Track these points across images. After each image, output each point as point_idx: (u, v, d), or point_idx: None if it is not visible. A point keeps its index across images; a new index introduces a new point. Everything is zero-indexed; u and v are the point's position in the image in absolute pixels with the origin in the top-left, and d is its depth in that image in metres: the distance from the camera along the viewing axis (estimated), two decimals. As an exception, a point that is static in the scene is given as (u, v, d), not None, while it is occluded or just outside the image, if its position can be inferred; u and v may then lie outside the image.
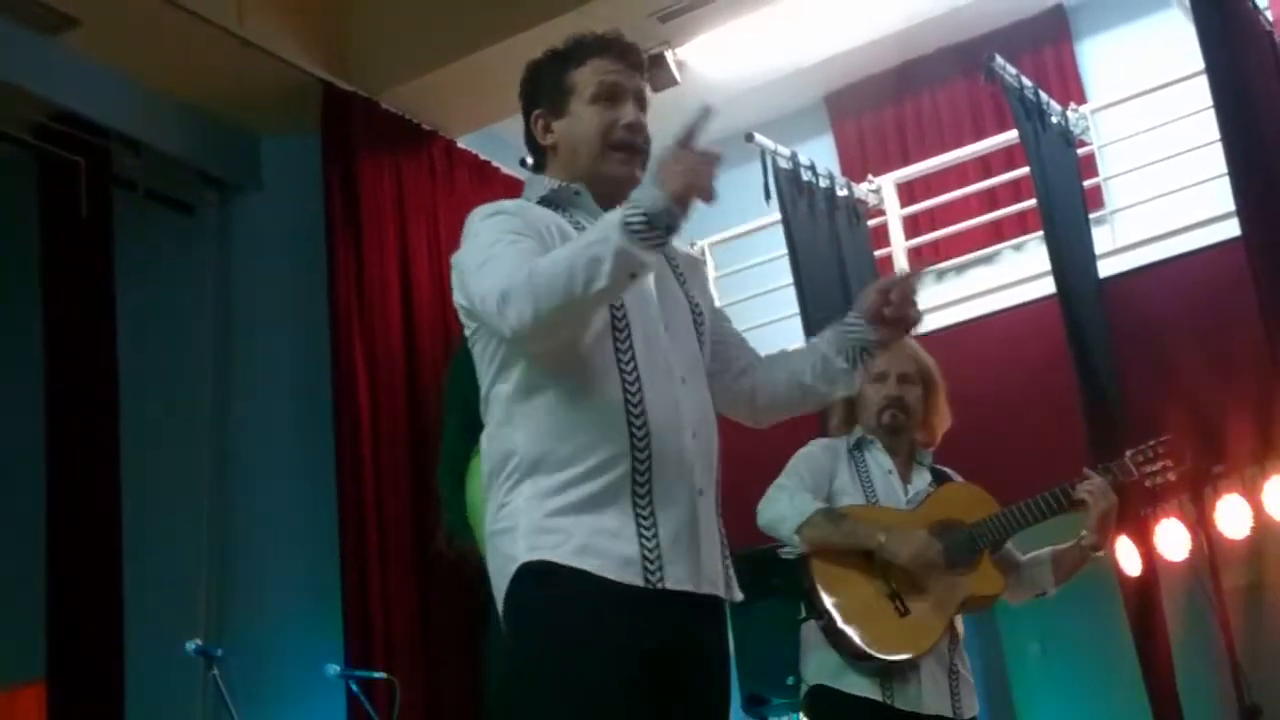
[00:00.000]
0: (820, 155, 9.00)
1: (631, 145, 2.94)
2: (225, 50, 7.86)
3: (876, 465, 4.52)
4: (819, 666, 4.31)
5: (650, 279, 2.85)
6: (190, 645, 6.29)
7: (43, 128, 8.04)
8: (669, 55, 8.51)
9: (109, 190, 8.25)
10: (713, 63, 8.92)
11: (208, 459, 8.29)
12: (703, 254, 9.36)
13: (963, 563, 4.36)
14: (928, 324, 8.44)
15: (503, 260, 2.68)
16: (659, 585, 2.69)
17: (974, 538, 4.39)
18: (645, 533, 2.70)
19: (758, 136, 8.05)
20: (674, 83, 8.57)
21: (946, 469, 4.66)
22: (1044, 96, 7.75)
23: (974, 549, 4.39)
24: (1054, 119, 7.77)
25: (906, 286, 2.95)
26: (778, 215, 8.05)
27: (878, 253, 8.55)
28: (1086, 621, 7.99)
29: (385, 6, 8.38)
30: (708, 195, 2.61)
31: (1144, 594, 6.84)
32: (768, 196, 7.91)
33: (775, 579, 4.54)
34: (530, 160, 3.11)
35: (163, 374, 8.42)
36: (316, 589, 7.77)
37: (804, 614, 4.36)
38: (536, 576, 2.69)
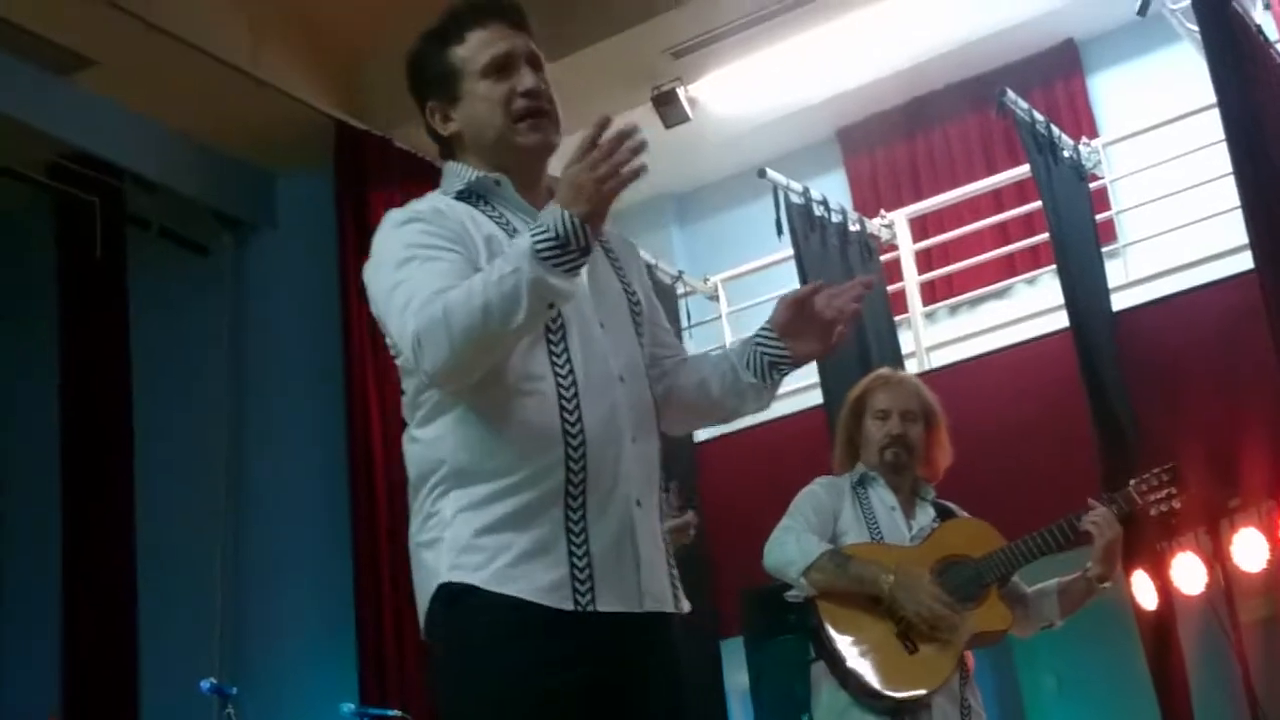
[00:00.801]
0: (832, 190, 9.00)
1: (536, 110, 2.70)
2: (239, 90, 7.91)
3: (880, 502, 4.51)
4: (829, 706, 4.29)
5: (583, 272, 2.58)
6: (205, 684, 6.28)
7: (58, 167, 8.09)
8: (681, 91, 8.54)
9: (123, 229, 8.31)
10: (725, 99, 8.95)
11: (222, 496, 8.31)
12: (715, 290, 9.38)
13: (970, 598, 4.35)
14: (942, 358, 8.46)
15: (415, 287, 2.48)
16: (589, 608, 2.50)
17: (980, 573, 4.39)
18: (576, 550, 2.50)
19: (770, 172, 8.05)
20: (686, 119, 8.61)
21: (949, 504, 4.65)
22: (1055, 130, 7.76)
23: (981, 584, 4.38)
24: (1066, 153, 7.78)
25: (828, 301, 2.75)
26: (790, 251, 8.05)
27: (891, 288, 8.55)
28: (1103, 655, 7.96)
29: (397, 45, 8.32)
30: (623, 183, 2.39)
31: (1160, 628, 6.81)
32: (780, 232, 7.90)
33: (789, 616, 4.52)
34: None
35: (177, 412, 8.46)
36: (331, 627, 7.78)
37: (813, 654, 4.35)
38: (457, 598, 2.50)
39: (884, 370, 4.84)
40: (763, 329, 2.79)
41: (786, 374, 2.80)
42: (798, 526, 4.38)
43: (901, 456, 4.53)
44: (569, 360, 2.57)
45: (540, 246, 2.36)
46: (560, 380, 2.55)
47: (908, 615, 4.23)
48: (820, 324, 2.76)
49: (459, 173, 2.75)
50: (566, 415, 2.53)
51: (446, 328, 2.40)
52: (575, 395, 2.55)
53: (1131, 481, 4.55)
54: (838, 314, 2.74)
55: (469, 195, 2.71)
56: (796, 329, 2.76)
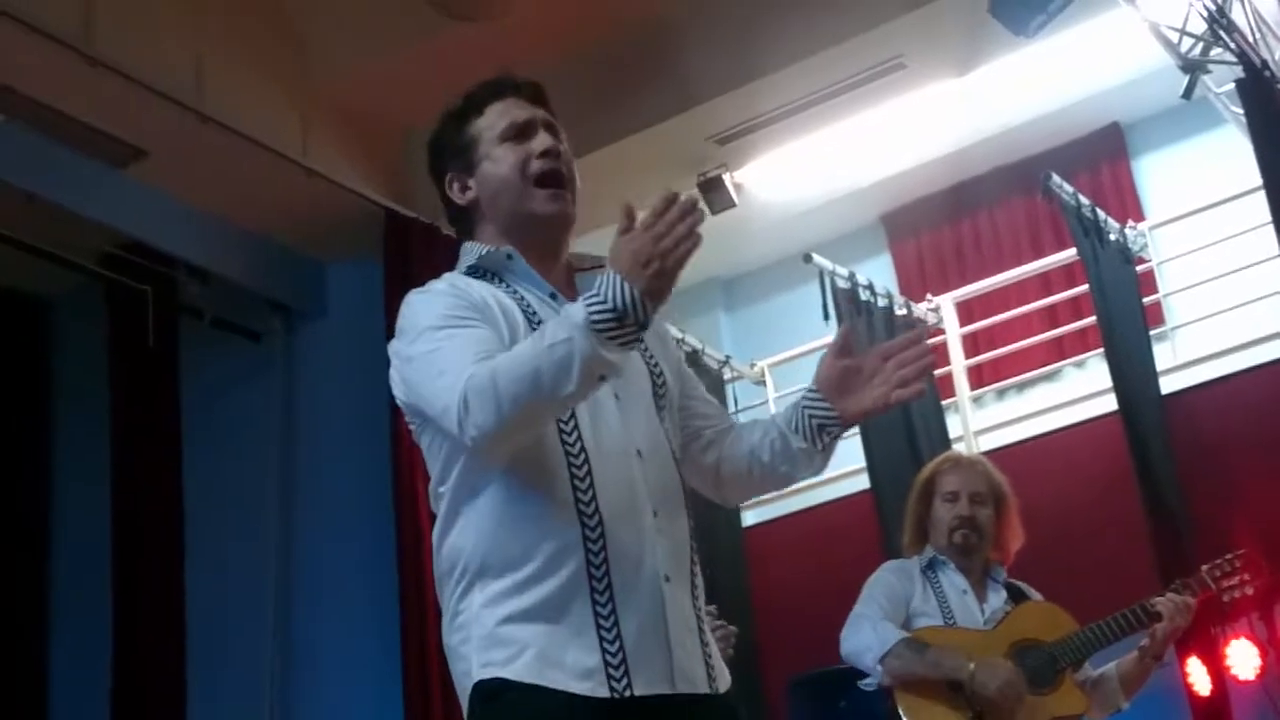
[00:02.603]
0: (878, 275, 9.02)
1: (555, 174, 2.68)
2: (290, 179, 8.00)
3: (951, 586, 4.49)
4: None
5: None
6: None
7: (111, 257, 8.17)
8: (727, 178, 8.60)
9: (176, 319, 8.36)
10: (770, 185, 9.00)
11: (273, 584, 8.32)
12: (762, 375, 9.38)
13: (1045, 683, 4.33)
14: (989, 442, 8.41)
15: (453, 356, 2.44)
16: (626, 693, 2.40)
17: (1054, 657, 4.37)
18: (606, 635, 2.41)
19: (816, 257, 8.09)
20: (732, 204, 8.66)
21: (1021, 584, 4.63)
22: (1101, 214, 7.77)
23: (1055, 669, 4.36)
24: (1112, 236, 7.79)
25: (886, 350, 2.71)
26: (837, 335, 8.06)
27: (938, 372, 8.54)
28: (1157, 743, 7.86)
29: (445, 135, 8.47)
30: (686, 257, 2.30)
31: (1215, 713, 6.74)
32: (826, 316, 7.93)
33: (842, 702, 4.50)
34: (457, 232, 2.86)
35: (228, 501, 8.48)
36: (379, 685, 7.78)
37: None
38: (491, 696, 2.43)
39: (953, 452, 4.86)
40: (808, 391, 2.70)
41: (838, 435, 2.69)
42: (873, 614, 4.38)
43: (971, 539, 4.53)
44: (579, 438, 2.50)
45: (596, 317, 2.29)
46: (571, 459, 2.48)
47: (992, 698, 4.19)
48: (871, 383, 2.68)
49: (472, 250, 2.73)
50: (580, 495, 2.46)
51: (495, 391, 2.34)
52: (588, 473, 2.48)
53: (1204, 567, 4.55)
54: (894, 388, 2.66)
55: (482, 272, 2.69)
56: (844, 386, 2.69)
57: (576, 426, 2.51)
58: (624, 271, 2.30)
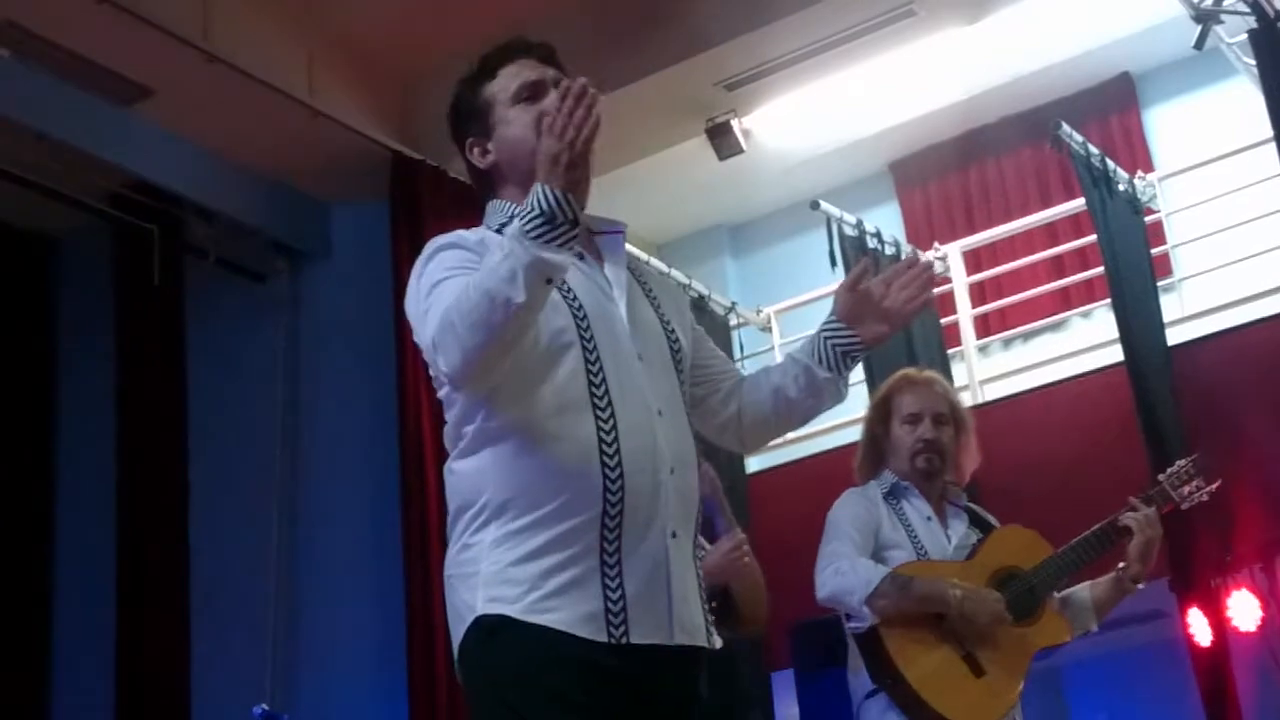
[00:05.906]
0: (886, 223, 9.00)
1: None
2: (296, 120, 7.98)
3: (916, 513, 4.37)
4: None
5: (620, 306, 2.69)
6: (257, 710, 6.30)
7: (117, 196, 8.16)
8: (735, 124, 8.58)
9: (182, 258, 8.35)
10: (778, 131, 8.98)
11: (276, 524, 8.34)
12: (768, 321, 9.38)
13: (1027, 613, 4.29)
14: (995, 392, 8.41)
15: (441, 300, 2.54)
16: (624, 640, 2.51)
17: (1034, 586, 4.31)
18: (610, 583, 2.51)
19: (823, 204, 8.07)
20: (740, 150, 8.64)
21: (977, 507, 4.54)
22: (1111, 164, 7.74)
23: (1036, 598, 4.31)
24: (1121, 186, 7.76)
25: (888, 277, 2.85)
26: (843, 283, 8.06)
27: (944, 320, 8.53)
28: (1156, 692, 7.91)
29: (452, 76, 8.41)
30: (589, 138, 2.45)
31: (1215, 665, 6.76)
32: (833, 264, 7.92)
33: (842, 648, 4.47)
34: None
35: (233, 440, 8.50)
36: (382, 654, 7.80)
37: (873, 688, 4.24)
38: (491, 631, 2.52)
39: (909, 370, 4.68)
40: (828, 322, 2.83)
41: (859, 361, 2.84)
42: (847, 551, 4.24)
43: (935, 462, 4.40)
44: (607, 392, 2.59)
45: (528, 226, 2.41)
46: (599, 412, 2.57)
47: (979, 627, 4.15)
48: (881, 308, 2.83)
49: (500, 209, 2.80)
50: (605, 447, 2.55)
51: (454, 324, 2.46)
52: (614, 427, 2.57)
53: (1160, 477, 4.50)
54: (904, 304, 2.83)
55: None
56: (858, 314, 2.82)
57: (605, 380, 2.59)
58: (542, 177, 2.45)
